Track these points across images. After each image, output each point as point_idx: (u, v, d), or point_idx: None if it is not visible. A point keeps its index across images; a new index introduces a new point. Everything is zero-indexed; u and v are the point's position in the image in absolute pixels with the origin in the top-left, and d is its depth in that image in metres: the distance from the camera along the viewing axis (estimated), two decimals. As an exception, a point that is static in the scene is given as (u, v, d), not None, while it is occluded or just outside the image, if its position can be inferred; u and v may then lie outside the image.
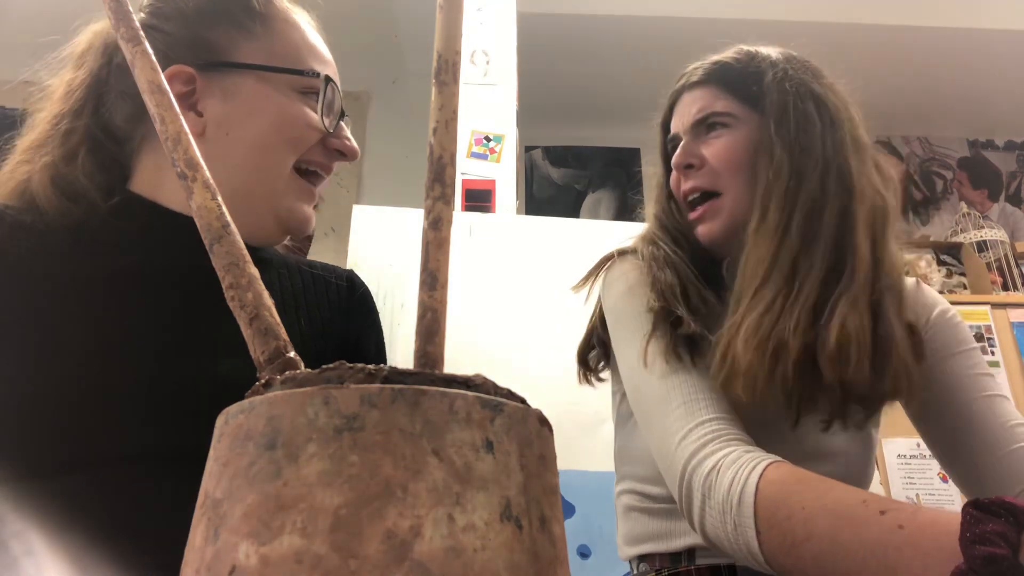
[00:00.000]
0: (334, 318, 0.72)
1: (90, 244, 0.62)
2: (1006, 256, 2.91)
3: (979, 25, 2.88)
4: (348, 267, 1.76)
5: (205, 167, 0.26)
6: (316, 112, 0.67)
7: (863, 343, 0.68)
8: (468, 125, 2.08)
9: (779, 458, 0.61)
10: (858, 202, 0.74)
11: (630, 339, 0.77)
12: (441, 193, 0.24)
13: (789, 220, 0.73)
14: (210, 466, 0.21)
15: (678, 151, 0.83)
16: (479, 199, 1.97)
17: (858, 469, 0.80)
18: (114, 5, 0.28)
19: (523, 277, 1.74)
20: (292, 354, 0.24)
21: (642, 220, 0.95)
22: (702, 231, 0.82)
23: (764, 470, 0.59)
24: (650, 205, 0.92)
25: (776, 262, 0.72)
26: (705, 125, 0.83)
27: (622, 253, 0.88)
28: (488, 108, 2.11)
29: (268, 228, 0.68)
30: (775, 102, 0.78)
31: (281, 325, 0.24)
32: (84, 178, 0.63)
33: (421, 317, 0.23)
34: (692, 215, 0.83)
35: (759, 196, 0.76)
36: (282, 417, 0.19)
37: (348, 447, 0.18)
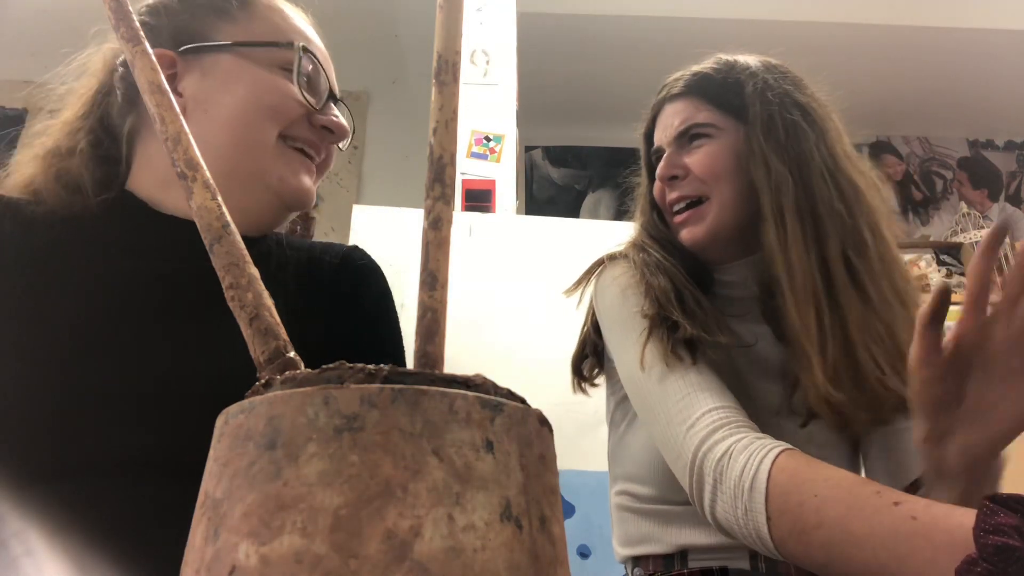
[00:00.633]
0: (320, 301, 0.69)
1: (78, 240, 0.62)
2: (1006, 256, 2.91)
3: (979, 25, 2.88)
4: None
5: (205, 167, 0.26)
6: (311, 91, 0.68)
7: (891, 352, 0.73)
8: (468, 125, 2.08)
9: (790, 446, 0.61)
10: (864, 206, 0.77)
11: (626, 342, 0.77)
12: (441, 193, 0.24)
13: (813, 229, 0.76)
14: (210, 466, 0.21)
15: (662, 163, 0.84)
16: (479, 199, 1.97)
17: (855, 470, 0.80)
18: (114, 5, 0.28)
19: (523, 277, 1.74)
20: (292, 354, 0.24)
21: None
22: (686, 235, 0.83)
23: (777, 457, 0.59)
24: (636, 214, 0.93)
25: (812, 276, 0.74)
26: (688, 136, 0.84)
27: (612, 258, 0.88)
28: (488, 108, 2.11)
29: (265, 204, 0.67)
30: (759, 113, 0.80)
31: (281, 325, 0.24)
32: (82, 170, 0.64)
33: (421, 317, 0.23)
34: (676, 219, 0.84)
35: (769, 207, 0.77)
36: (282, 417, 0.19)
37: (348, 447, 0.18)
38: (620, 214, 3.36)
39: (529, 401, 0.23)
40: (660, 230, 0.87)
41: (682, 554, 0.76)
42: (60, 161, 0.65)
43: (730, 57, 0.86)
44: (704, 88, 0.85)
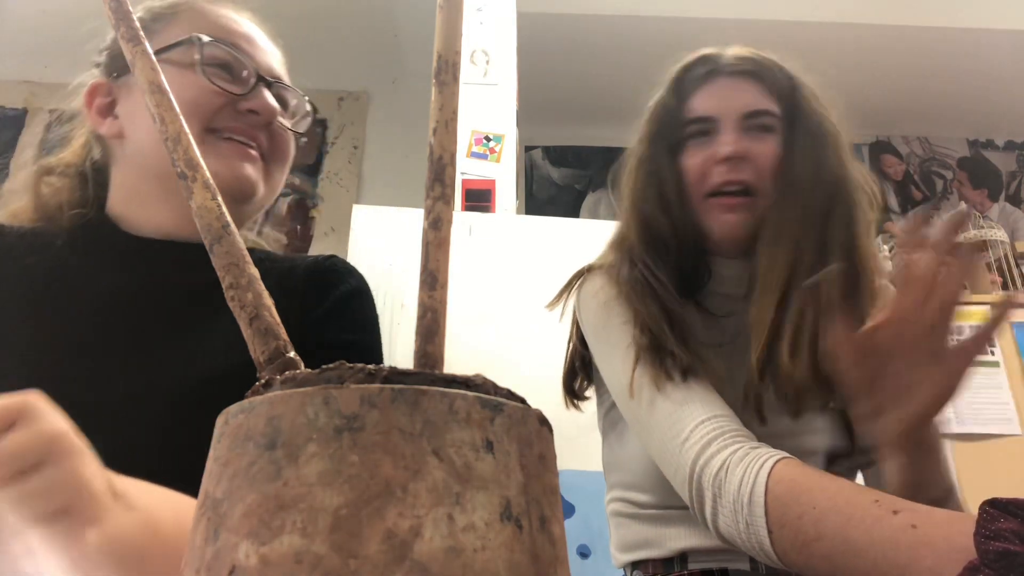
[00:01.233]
0: (291, 307, 0.69)
1: (50, 261, 0.66)
2: (1006, 256, 2.91)
3: (979, 25, 2.88)
4: (348, 267, 1.76)
5: (205, 167, 0.26)
6: (225, 79, 0.68)
7: None
8: (468, 125, 2.08)
9: (786, 454, 0.61)
10: (861, 214, 0.78)
11: (612, 356, 0.77)
12: (441, 193, 0.24)
13: (821, 237, 0.76)
14: (210, 466, 0.21)
15: (731, 138, 0.78)
16: (479, 199, 1.97)
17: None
18: (114, 5, 0.28)
19: (523, 277, 1.74)
20: (292, 354, 0.24)
21: None
22: (730, 220, 0.78)
23: (773, 468, 0.59)
24: (633, 202, 0.83)
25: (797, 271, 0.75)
26: (755, 121, 0.79)
27: (591, 270, 0.86)
28: (488, 108, 2.11)
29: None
30: (810, 120, 0.79)
31: (281, 325, 0.24)
32: (61, 197, 0.70)
33: (421, 317, 0.23)
34: (721, 201, 0.78)
35: (791, 213, 0.76)
36: (282, 417, 0.19)
37: (348, 447, 0.18)
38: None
39: (529, 401, 0.23)
40: (671, 215, 0.80)
41: (682, 557, 0.76)
42: (52, 179, 0.71)
43: (772, 54, 0.83)
44: (768, 77, 0.81)
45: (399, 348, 1.61)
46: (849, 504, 0.53)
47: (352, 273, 0.77)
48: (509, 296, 1.72)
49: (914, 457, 0.60)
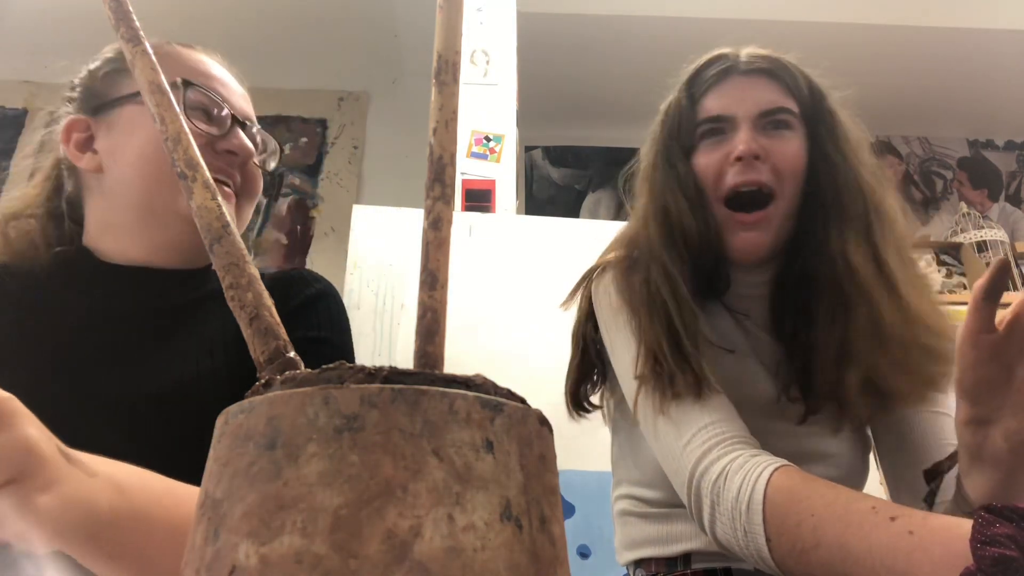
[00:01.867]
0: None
1: (32, 288, 0.69)
2: (1006, 256, 2.91)
3: (979, 25, 2.88)
4: (348, 267, 1.76)
5: (205, 167, 0.26)
6: (204, 120, 0.72)
7: None
8: (468, 125, 2.08)
9: (785, 461, 0.61)
10: (900, 219, 0.77)
11: (625, 351, 0.76)
12: (441, 193, 0.24)
13: (867, 232, 0.75)
14: (210, 466, 0.20)
15: (747, 137, 0.75)
16: (479, 199, 1.97)
17: (855, 470, 0.80)
18: (114, 5, 0.28)
19: (523, 277, 1.74)
20: (292, 354, 0.24)
21: None
22: (748, 242, 0.76)
23: (771, 476, 0.59)
24: (654, 201, 0.80)
25: (867, 274, 0.73)
26: (773, 119, 0.77)
27: (603, 270, 0.84)
28: (488, 108, 2.11)
29: (187, 235, 0.71)
30: (829, 121, 0.78)
31: (281, 325, 0.24)
32: (38, 230, 0.73)
33: (421, 317, 0.23)
34: (740, 218, 0.76)
35: (835, 213, 0.75)
36: (282, 417, 0.19)
37: (348, 447, 0.18)
38: (620, 214, 3.36)
39: (529, 401, 0.23)
40: (686, 223, 0.76)
41: (685, 557, 0.76)
42: (19, 223, 0.74)
43: (787, 55, 0.82)
44: (786, 76, 0.79)
45: (399, 348, 1.61)
46: (847, 511, 0.53)
47: (318, 279, 0.80)
48: (509, 296, 1.72)
49: (1011, 475, 0.55)
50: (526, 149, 3.48)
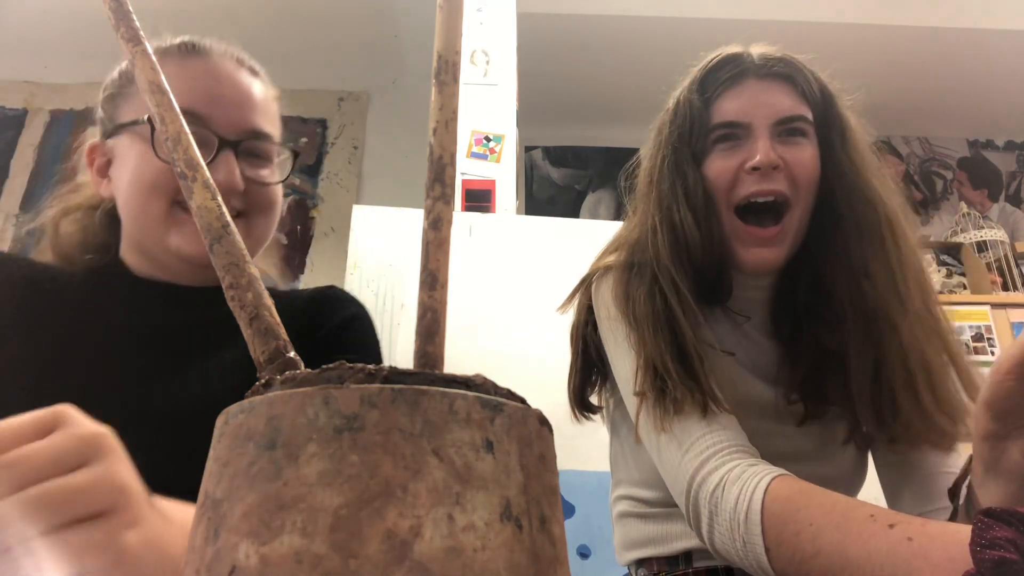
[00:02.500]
0: (290, 338, 0.71)
1: (67, 297, 0.70)
2: (1006, 256, 2.91)
3: (979, 25, 2.88)
4: (348, 267, 1.76)
5: (205, 167, 0.26)
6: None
7: None
8: (468, 125, 2.08)
9: (783, 471, 0.61)
10: (911, 230, 0.77)
11: (624, 364, 0.76)
12: (441, 193, 0.24)
13: (894, 243, 0.74)
14: (210, 466, 0.21)
15: (766, 147, 0.73)
16: (479, 199, 1.97)
17: (854, 470, 0.80)
18: (114, 5, 0.28)
19: (523, 277, 1.74)
20: (292, 354, 0.24)
21: None
22: (765, 256, 0.74)
23: (768, 486, 0.59)
24: (660, 206, 0.77)
25: (888, 292, 0.73)
26: (789, 127, 0.75)
27: (604, 273, 0.82)
28: (488, 108, 2.11)
29: (174, 265, 0.71)
30: (840, 127, 0.77)
31: (281, 325, 0.24)
32: (78, 237, 0.74)
33: (421, 317, 0.23)
34: (757, 232, 0.74)
35: (853, 224, 0.74)
36: (282, 417, 0.19)
37: (348, 447, 0.18)
38: (620, 214, 3.35)
39: (529, 401, 0.23)
40: (692, 231, 0.74)
41: (686, 556, 0.76)
42: (70, 220, 0.75)
43: (798, 56, 0.80)
44: (801, 81, 0.77)
45: (399, 348, 1.61)
46: (846, 519, 0.53)
47: (352, 301, 0.80)
48: (509, 296, 1.72)
49: None
50: (526, 149, 3.48)
